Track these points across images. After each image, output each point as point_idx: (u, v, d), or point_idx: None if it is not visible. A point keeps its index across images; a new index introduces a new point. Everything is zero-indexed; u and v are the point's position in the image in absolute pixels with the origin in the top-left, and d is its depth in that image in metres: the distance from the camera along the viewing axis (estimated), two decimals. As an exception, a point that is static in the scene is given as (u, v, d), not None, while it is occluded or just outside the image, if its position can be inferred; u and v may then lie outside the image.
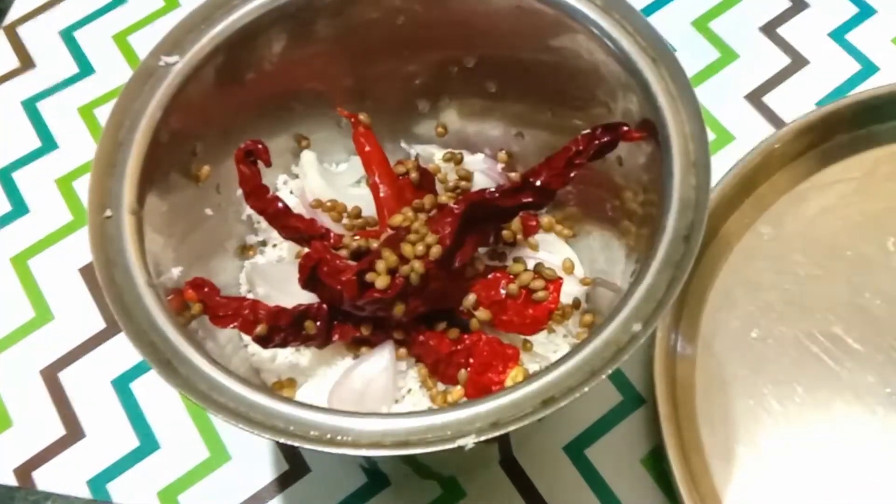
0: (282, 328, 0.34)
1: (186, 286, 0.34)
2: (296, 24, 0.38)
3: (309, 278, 0.35)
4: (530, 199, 0.36)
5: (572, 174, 0.35)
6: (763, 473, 0.41)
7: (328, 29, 0.39)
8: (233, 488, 0.43)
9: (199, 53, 0.35)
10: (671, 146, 0.32)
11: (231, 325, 0.34)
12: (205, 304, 0.33)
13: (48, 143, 0.55)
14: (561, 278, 0.37)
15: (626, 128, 0.34)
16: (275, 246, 0.41)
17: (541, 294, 0.36)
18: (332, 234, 0.37)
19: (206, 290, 0.34)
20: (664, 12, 0.56)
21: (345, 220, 0.40)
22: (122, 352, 0.47)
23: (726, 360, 0.44)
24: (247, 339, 0.38)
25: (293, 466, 0.44)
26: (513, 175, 0.42)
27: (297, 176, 0.43)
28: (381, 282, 0.33)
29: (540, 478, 0.43)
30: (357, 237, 0.37)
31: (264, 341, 0.34)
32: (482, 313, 0.36)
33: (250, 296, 0.40)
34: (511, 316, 0.36)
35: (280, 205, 0.36)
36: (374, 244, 0.36)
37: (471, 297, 0.36)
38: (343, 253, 0.36)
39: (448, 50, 0.40)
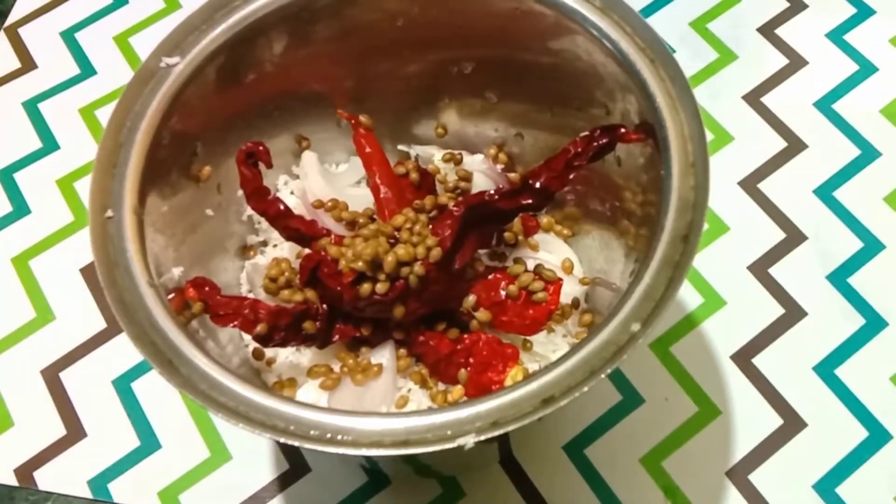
0: (282, 328, 0.34)
1: (187, 285, 0.34)
2: (296, 25, 0.38)
3: (309, 279, 0.36)
4: (530, 201, 0.36)
5: (571, 176, 0.36)
6: None
7: (328, 30, 0.39)
8: (233, 488, 0.44)
9: (199, 55, 0.35)
10: (670, 146, 0.32)
11: (231, 324, 0.34)
12: (205, 303, 0.34)
13: (49, 144, 0.55)
14: (560, 279, 0.37)
15: (623, 130, 0.34)
16: (275, 246, 0.41)
17: (540, 295, 0.36)
18: (332, 235, 0.37)
19: (206, 289, 0.34)
20: (663, 13, 0.56)
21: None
22: (122, 352, 0.47)
23: None
24: (247, 339, 0.39)
25: (293, 466, 0.44)
26: (512, 176, 0.42)
27: (297, 176, 0.43)
28: (381, 286, 0.34)
29: (540, 477, 0.43)
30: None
31: (264, 340, 0.34)
32: (482, 314, 0.36)
33: (251, 296, 0.40)
34: (511, 317, 0.36)
35: (281, 206, 0.36)
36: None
37: (471, 298, 0.36)
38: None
39: (447, 51, 0.40)
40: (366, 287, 0.34)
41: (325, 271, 0.35)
